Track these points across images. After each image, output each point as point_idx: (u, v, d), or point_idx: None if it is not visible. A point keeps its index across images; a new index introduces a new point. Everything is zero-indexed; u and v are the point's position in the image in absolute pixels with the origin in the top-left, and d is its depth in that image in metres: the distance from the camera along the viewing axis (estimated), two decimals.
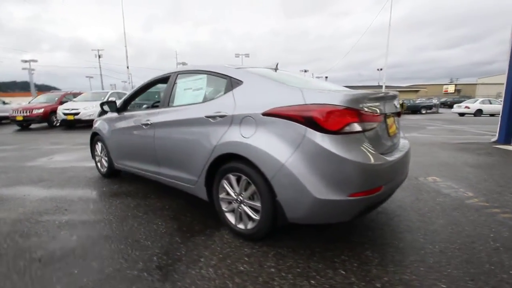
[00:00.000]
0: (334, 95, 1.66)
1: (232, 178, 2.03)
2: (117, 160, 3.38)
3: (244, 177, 1.95)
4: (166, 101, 2.67)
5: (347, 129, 1.61)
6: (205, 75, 2.40)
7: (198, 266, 1.74)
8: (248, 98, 1.97)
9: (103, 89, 39.27)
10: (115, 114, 3.42)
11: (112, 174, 3.69)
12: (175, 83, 2.67)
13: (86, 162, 4.69)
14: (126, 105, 3.37)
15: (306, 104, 1.66)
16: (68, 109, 10.49)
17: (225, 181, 2.10)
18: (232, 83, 2.13)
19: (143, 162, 2.94)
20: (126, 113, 3.31)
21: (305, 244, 1.96)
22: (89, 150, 4.11)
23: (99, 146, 3.79)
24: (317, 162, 1.61)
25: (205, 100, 2.33)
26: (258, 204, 1.89)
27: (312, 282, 1.56)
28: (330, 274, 1.62)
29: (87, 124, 10.87)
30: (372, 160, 1.64)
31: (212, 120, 2.12)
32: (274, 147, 1.73)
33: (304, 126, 1.64)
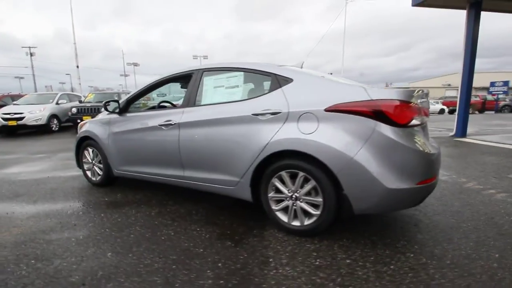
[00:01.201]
0: (398, 91, 1.78)
1: (285, 176, 2.02)
2: (119, 167, 3.04)
3: (301, 174, 1.95)
4: (192, 100, 2.51)
5: (412, 122, 1.75)
6: (242, 73, 2.33)
7: (272, 267, 1.69)
8: (303, 95, 1.98)
9: (36, 91, 34.47)
10: (114, 116, 3.07)
11: (107, 183, 3.31)
12: (201, 81, 2.53)
13: (63, 172, 4.11)
14: (128, 105, 3.06)
15: (373, 100, 1.75)
16: (9, 113, 8.96)
17: (276, 179, 2.07)
18: (279, 80, 2.12)
19: (159, 166, 2.71)
20: (130, 114, 3.00)
21: (358, 235, 2.05)
22: (56, 159, 3.63)
23: (89, 152, 3.35)
24: (388, 154, 1.71)
25: (246, 98, 2.26)
26: (318, 199, 1.91)
27: (392, 267, 1.65)
28: (403, 258, 1.73)
29: (33, 130, 9.47)
30: (431, 151, 1.81)
31: (261, 118, 2.07)
32: (340, 141, 1.78)
33: (373, 120, 1.72)
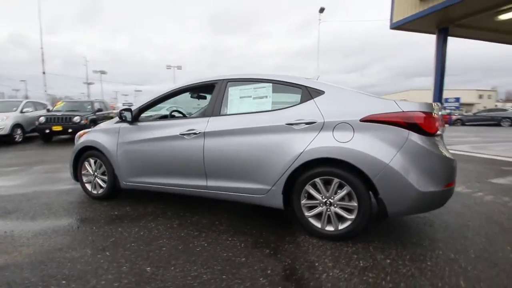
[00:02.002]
0: (423, 104, 2.00)
1: (320, 182, 2.12)
2: (129, 178, 2.90)
3: (336, 180, 2.06)
4: (217, 109, 2.53)
5: (438, 132, 1.97)
6: (270, 84, 2.42)
7: (321, 271, 1.75)
8: (337, 107, 2.12)
9: None
10: (124, 125, 2.95)
11: (109, 196, 3.12)
12: (225, 91, 2.56)
13: (49, 186, 3.77)
14: (140, 115, 2.97)
15: (405, 111, 1.94)
16: None
17: (309, 186, 2.15)
18: (310, 92, 2.24)
19: (178, 176, 2.64)
20: (144, 123, 2.91)
21: (385, 237, 2.19)
22: (33, 172, 3.40)
23: (91, 163, 3.15)
24: (420, 160, 1.89)
25: (276, 108, 2.34)
26: (353, 203, 2.03)
27: (429, 263, 1.80)
28: (434, 255, 1.90)
29: None
30: (452, 157, 2.03)
31: (295, 127, 2.16)
32: (376, 149, 1.93)
33: (406, 130, 1.91)
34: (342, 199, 2.08)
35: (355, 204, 2.02)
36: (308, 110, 2.18)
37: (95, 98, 12.92)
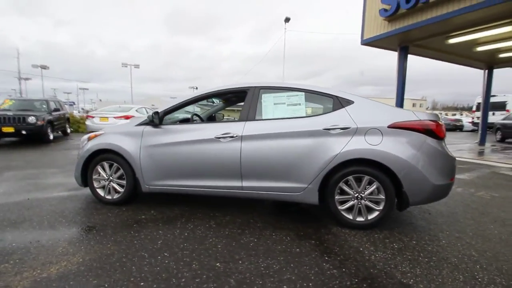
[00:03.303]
0: (432, 115, 2.48)
1: (352, 180, 2.45)
2: (153, 181, 2.87)
3: (366, 177, 2.41)
4: (252, 114, 2.70)
5: (444, 137, 2.46)
6: (303, 93, 2.68)
7: (368, 254, 2.06)
8: (366, 115, 2.48)
9: None
10: (148, 128, 2.92)
11: (126, 201, 3.02)
12: (259, 97, 2.75)
13: (42, 193, 3.45)
14: (164, 117, 2.96)
15: (421, 120, 2.39)
16: None
17: (343, 183, 2.47)
18: (341, 102, 2.57)
19: (210, 178, 2.73)
20: (171, 127, 2.92)
21: (400, 225, 2.62)
22: (9, 178, 3.19)
23: (105, 167, 3.01)
24: (433, 159, 2.35)
25: (311, 115, 2.61)
26: (381, 196, 2.40)
27: (443, 242, 2.26)
28: (445, 236, 2.37)
29: None
30: (454, 156, 2.54)
31: (332, 132, 2.46)
32: (401, 150, 2.34)
33: (424, 135, 2.35)
34: (371, 193, 2.44)
35: (383, 197, 2.40)
36: (341, 117, 2.51)
37: (49, 96, 11.57)
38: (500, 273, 1.83)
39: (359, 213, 2.49)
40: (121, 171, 2.97)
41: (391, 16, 6.27)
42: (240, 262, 1.93)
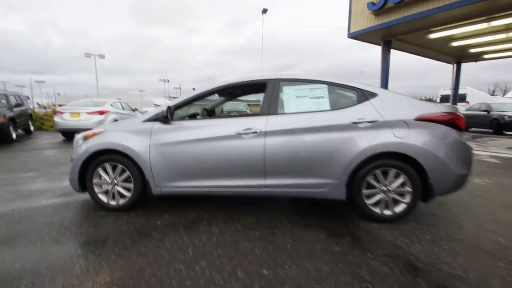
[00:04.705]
0: (452, 107, 2.53)
1: (379, 173, 2.44)
2: (166, 183, 2.62)
3: (393, 170, 2.41)
4: (274, 108, 2.56)
5: (464, 128, 2.53)
6: (325, 85, 2.59)
7: (406, 247, 2.06)
8: (392, 107, 2.46)
9: None
10: (158, 124, 2.65)
11: (133, 206, 2.75)
12: (279, 90, 2.61)
13: (28, 201, 3.03)
14: (173, 113, 2.71)
15: (445, 112, 2.42)
16: None
17: (370, 177, 2.45)
18: (365, 94, 2.52)
19: (232, 177, 2.56)
20: (184, 122, 2.69)
21: (422, 216, 2.69)
22: None
23: (108, 170, 2.70)
24: (457, 150, 2.41)
25: (335, 108, 2.53)
26: (408, 189, 2.42)
27: (467, 230, 2.35)
28: (466, 224, 2.47)
29: None
30: (471, 147, 2.63)
31: (360, 125, 2.41)
32: (428, 143, 2.36)
33: (448, 127, 2.39)
34: (398, 186, 2.45)
35: (410, 189, 2.42)
36: (367, 110, 2.47)
37: (5, 90, 10.19)
38: None
39: (386, 206, 2.49)
40: (127, 173, 2.68)
41: (379, 10, 6.41)
42: (286, 267, 1.82)
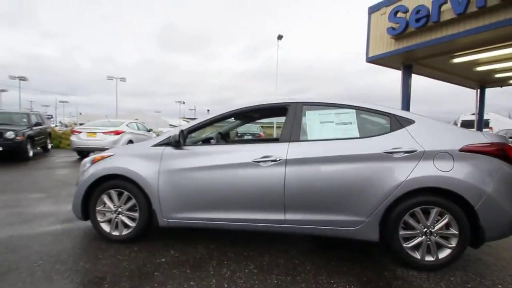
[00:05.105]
0: (501, 136, 2.21)
1: (419, 212, 2.09)
2: (174, 213, 2.37)
3: (436, 209, 2.06)
4: (296, 134, 2.32)
5: None
6: (353, 110, 2.35)
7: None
8: (432, 136, 2.16)
9: None
10: (169, 149, 2.45)
11: (137, 237, 2.49)
12: (302, 115, 2.39)
13: (29, 227, 2.85)
14: (186, 137, 2.52)
15: (494, 142, 2.10)
16: None
17: (408, 216, 2.10)
18: (399, 121, 2.25)
19: (246, 209, 2.28)
20: (197, 147, 2.51)
21: (468, 262, 2.27)
22: None
23: (114, 197, 2.49)
24: (510, 186, 2.05)
25: (365, 135, 2.26)
26: (454, 231, 2.05)
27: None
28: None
29: None
30: None
31: (395, 156, 2.12)
32: (477, 178, 2.02)
33: (498, 159, 2.05)
34: (441, 228, 2.08)
35: (456, 232, 2.05)
36: (403, 139, 2.18)
37: (30, 109, 10.73)
38: None
39: (428, 251, 2.11)
40: (132, 201, 2.46)
41: (399, 35, 6.26)
42: None
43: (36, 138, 8.95)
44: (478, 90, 10.12)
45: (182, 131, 2.41)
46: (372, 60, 7.18)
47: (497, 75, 8.35)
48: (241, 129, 12.72)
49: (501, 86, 9.97)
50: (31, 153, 8.34)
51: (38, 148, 9.97)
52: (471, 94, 10.57)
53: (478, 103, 10.22)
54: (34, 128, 8.89)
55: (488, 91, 10.35)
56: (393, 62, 7.29)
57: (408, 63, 7.22)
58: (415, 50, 6.33)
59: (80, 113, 77.15)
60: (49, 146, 10.88)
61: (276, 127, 26.53)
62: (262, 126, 17.21)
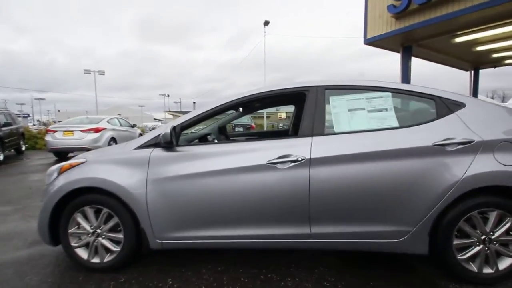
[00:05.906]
0: None
1: (477, 216, 1.69)
2: (169, 233, 1.87)
3: (497, 211, 1.67)
4: (319, 126, 1.84)
5: None
6: (389, 93, 1.88)
7: None
8: (488, 122, 1.74)
9: None
10: (157, 151, 1.93)
11: (125, 263, 1.99)
12: (325, 101, 1.91)
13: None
14: (179, 135, 1.99)
15: None
16: None
17: (464, 222, 1.70)
18: (447, 105, 1.81)
19: (263, 224, 1.82)
20: (194, 148, 1.98)
21: None
22: None
23: (90, 215, 1.95)
24: None
25: (407, 124, 1.81)
26: None
27: None
28: None
29: None
30: None
31: (448, 148, 1.69)
32: None
33: None
34: (502, 234, 1.70)
35: None
36: (454, 127, 1.75)
37: (5, 109, 9.65)
38: None
39: (486, 262, 1.73)
40: (114, 220, 1.94)
41: (400, 13, 5.82)
42: None
43: (7, 140, 8.09)
44: (472, 71, 9.95)
45: (174, 127, 1.87)
46: (371, 42, 6.75)
47: (494, 55, 8.14)
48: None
49: (494, 67, 9.83)
50: (1, 157, 7.52)
51: (12, 150, 9.10)
52: (460, 77, 10.39)
53: (472, 84, 10.08)
54: (3, 129, 8.02)
55: (466, 75, 10.15)
56: (392, 44, 6.89)
57: (407, 44, 6.84)
58: (417, 29, 5.93)
59: (59, 110, 73.78)
60: (23, 147, 9.97)
61: (266, 117, 25.86)
62: (252, 117, 16.67)
